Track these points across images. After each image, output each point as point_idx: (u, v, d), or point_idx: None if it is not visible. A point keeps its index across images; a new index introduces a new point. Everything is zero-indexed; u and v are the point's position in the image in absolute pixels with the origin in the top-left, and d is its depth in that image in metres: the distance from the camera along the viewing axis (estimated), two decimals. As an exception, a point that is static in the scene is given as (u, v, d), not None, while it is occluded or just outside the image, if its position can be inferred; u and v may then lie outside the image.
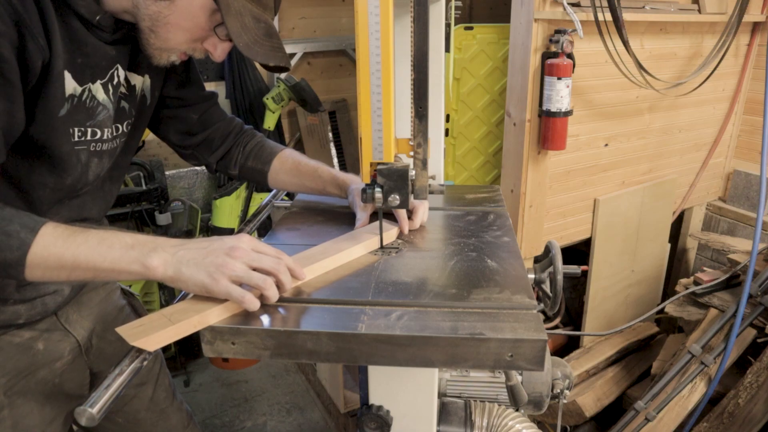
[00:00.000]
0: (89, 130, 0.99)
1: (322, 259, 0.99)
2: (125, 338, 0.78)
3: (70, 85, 0.92)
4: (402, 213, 1.15)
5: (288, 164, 1.29)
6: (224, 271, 0.83)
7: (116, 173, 1.15)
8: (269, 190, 1.47)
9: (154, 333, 0.78)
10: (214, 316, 0.83)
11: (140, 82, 1.09)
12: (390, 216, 1.17)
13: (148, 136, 1.29)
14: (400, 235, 1.15)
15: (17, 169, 0.93)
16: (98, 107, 0.99)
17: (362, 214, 1.17)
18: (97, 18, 0.92)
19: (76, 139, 0.97)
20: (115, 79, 1.01)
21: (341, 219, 1.25)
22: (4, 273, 0.82)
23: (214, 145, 1.28)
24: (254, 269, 0.86)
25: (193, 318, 0.81)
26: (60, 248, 0.81)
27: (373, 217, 1.17)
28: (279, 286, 0.88)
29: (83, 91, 0.95)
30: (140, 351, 0.80)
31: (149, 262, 0.83)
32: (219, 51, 0.99)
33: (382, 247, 1.09)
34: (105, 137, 1.03)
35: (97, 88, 0.97)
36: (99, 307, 1.23)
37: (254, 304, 0.84)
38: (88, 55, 0.93)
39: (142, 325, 0.81)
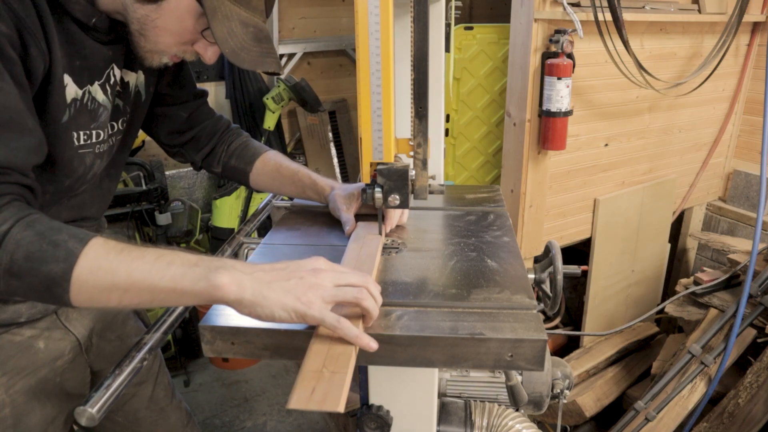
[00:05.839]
0: (93, 132, 0.99)
1: (374, 267, 0.97)
2: (313, 409, 0.68)
3: (71, 90, 0.92)
4: (388, 212, 1.12)
5: (269, 166, 1.28)
6: (317, 293, 0.75)
7: (114, 171, 1.15)
8: (266, 191, 1.47)
9: (336, 392, 0.69)
10: (352, 348, 0.76)
11: (134, 78, 1.09)
12: (371, 217, 1.16)
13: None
14: (397, 234, 1.15)
15: None
16: (99, 108, 0.99)
17: (347, 216, 1.15)
18: (93, 20, 0.92)
19: (81, 143, 0.97)
20: (111, 79, 1.01)
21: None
22: (47, 293, 0.72)
23: (200, 144, 1.28)
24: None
25: (347, 359, 0.74)
26: (112, 262, 0.72)
27: (358, 217, 1.16)
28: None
29: (84, 93, 0.95)
30: (145, 353, 0.79)
31: (217, 279, 0.72)
32: (209, 53, 0.99)
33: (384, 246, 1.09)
34: (103, 137, 1.03)
35: (96, 90, 0.97)
36: (99, 307, 1.23)
37: (351, 330, 0.75)
38: (86, 58, 0.93)
39: (313, 389, 0.70)
